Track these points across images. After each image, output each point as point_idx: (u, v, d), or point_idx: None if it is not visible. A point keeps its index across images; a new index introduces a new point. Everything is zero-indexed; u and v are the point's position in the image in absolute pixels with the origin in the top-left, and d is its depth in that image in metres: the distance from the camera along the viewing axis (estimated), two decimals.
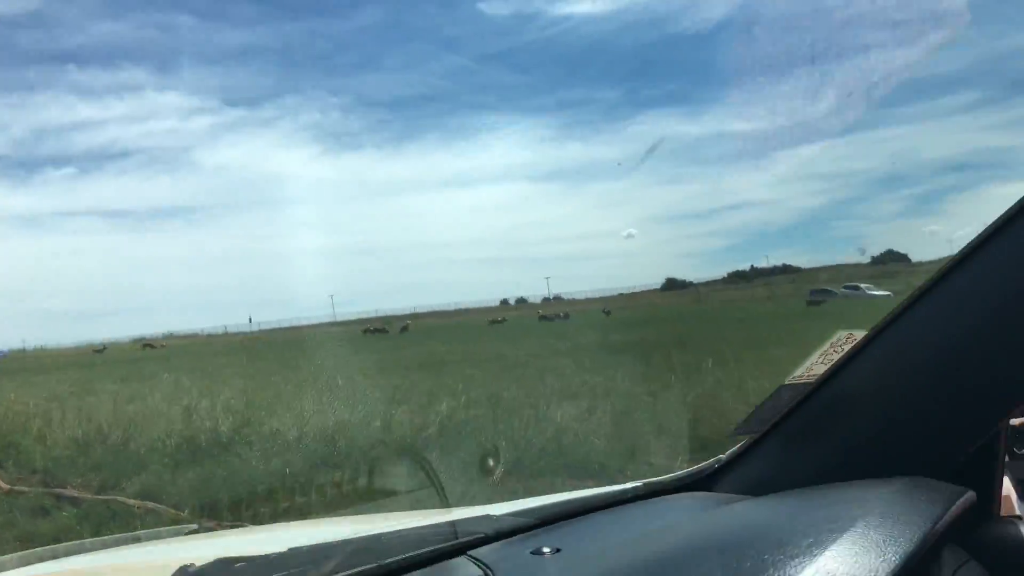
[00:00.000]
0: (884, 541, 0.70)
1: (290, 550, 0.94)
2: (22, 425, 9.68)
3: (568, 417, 7.82)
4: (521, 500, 1.21)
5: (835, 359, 1.00)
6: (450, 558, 0.96)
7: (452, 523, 1.07)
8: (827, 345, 1.05)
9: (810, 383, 1.04)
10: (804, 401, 1.04)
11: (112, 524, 5.82)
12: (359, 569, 0.88)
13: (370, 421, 8.24)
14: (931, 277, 0.93)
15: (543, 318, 46.10)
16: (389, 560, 0.91)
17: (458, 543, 0.99)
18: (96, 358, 35.36)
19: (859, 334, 0.98)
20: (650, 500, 1.17)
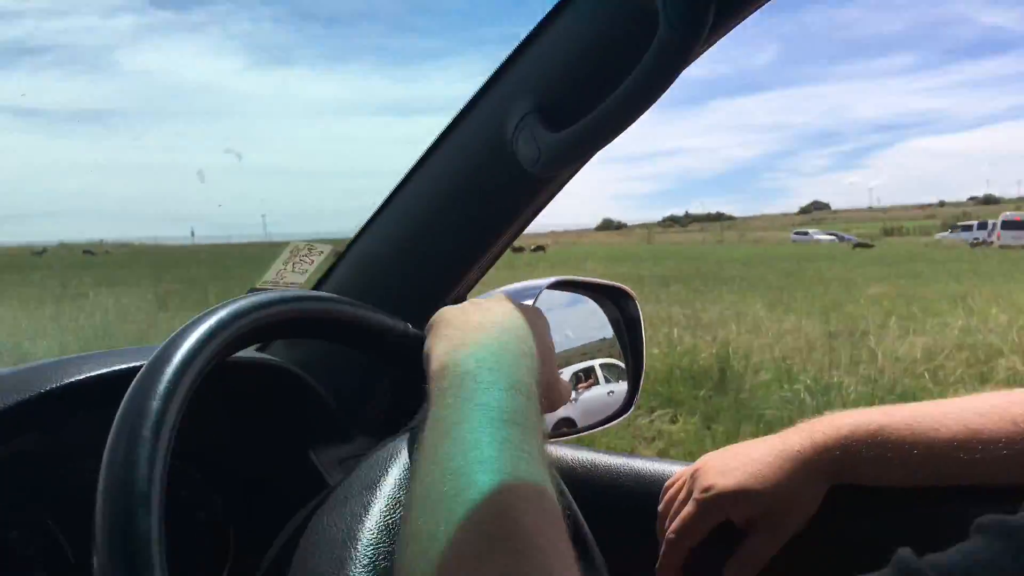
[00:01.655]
0: None
1: None
2: None
3: None
4: None
5: (305, 266, 0.98)
6: None
7: None
8: (287, 254, 0.97)
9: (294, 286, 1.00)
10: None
11: None
12: None
13: None
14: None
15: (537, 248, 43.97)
16: None
17: None
18: (36, 261, 31.10)
19: (321, 246, 0.99)
20: None
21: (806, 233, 71.65)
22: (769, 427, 4.23)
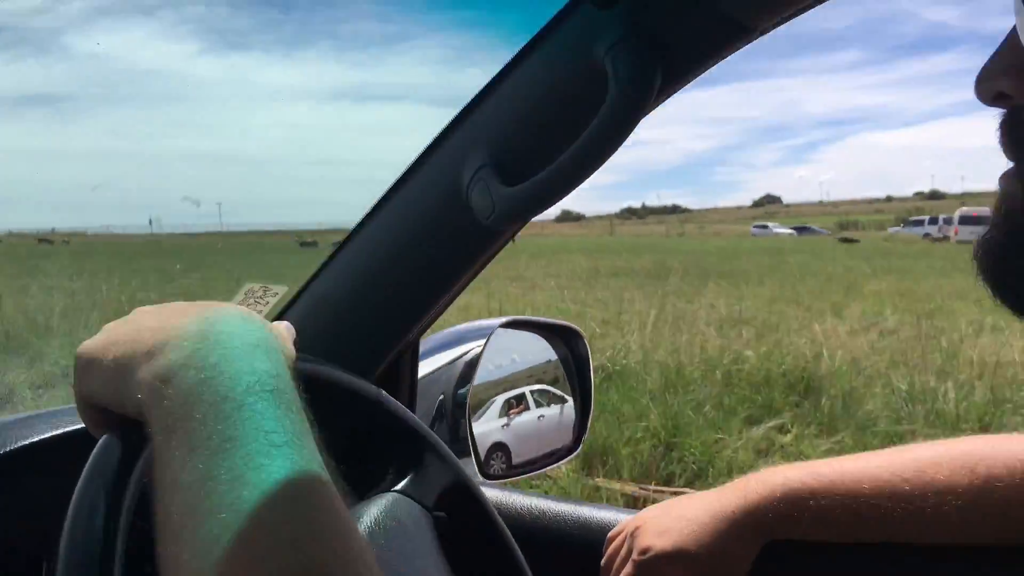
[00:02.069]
0: None
1: None
2: None
3: None
4: None
5: (260, 307, 0.93)
6: None
7: None
8: (242, 295, 0.95)
9: None
10: None
11: None
12: None
13: None
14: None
15: None
16: None
17: None
18: None
19: (275, 287, 0.96)
20: None
21: (766, 227, 72.49)
22: (890, 439, 4.02)
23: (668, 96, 0.71)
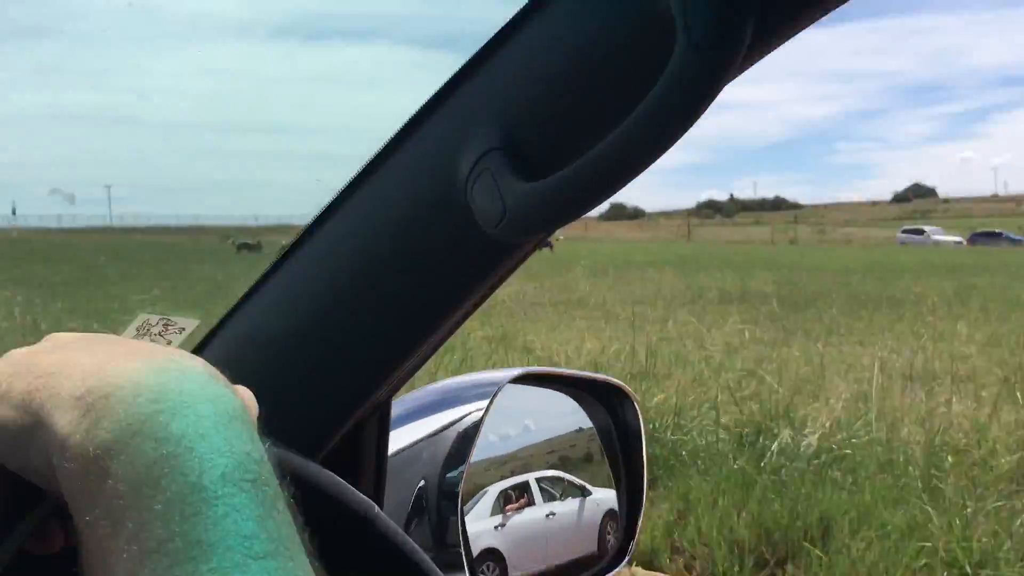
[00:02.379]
0: None
1: None
2: None
3: None
4: None
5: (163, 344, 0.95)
6: None
7: None
8: (133, 330, 0.99)
9: None
10: None
11: None
12: None
13: None
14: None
15: None
16: None
17: None
18: None
19: (180, 320, 0.99)
20: None
21: (921, 231, 72.56)
22: None
23: (760, 57, 0.73)
